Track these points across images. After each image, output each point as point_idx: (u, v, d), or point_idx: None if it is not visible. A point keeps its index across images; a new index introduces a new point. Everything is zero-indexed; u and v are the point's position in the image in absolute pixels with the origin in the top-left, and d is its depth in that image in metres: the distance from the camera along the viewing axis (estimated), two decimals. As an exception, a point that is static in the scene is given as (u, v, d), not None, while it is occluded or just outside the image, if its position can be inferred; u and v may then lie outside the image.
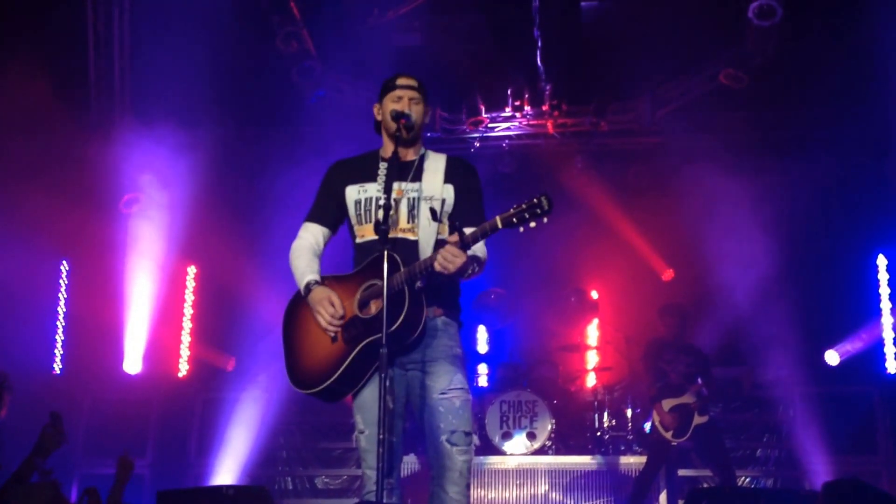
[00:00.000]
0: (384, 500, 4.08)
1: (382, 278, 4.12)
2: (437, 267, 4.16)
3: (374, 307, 4.33)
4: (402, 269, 4.26)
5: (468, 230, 4.19)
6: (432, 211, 4.39)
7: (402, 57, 10.37)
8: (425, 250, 4.44)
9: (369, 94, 11.08)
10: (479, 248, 4.42)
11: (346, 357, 4.33)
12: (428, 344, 4.44)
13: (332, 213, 4.72)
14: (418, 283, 4.31)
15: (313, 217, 4.78)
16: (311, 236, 4.74)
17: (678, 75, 10.92)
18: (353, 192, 4.63)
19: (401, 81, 4.68)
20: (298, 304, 4.61)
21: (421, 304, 4.34)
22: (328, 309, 4.41)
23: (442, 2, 10.10)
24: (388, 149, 4.66)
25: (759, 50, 10.05)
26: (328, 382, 4.37)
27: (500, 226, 4.13)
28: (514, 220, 4.10)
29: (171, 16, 9.97)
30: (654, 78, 10.94)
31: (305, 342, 4.53)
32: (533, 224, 4.09)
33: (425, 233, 4.49)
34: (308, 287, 4.52)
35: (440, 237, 4.49)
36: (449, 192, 4.59)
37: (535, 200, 4.08)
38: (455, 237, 4.16)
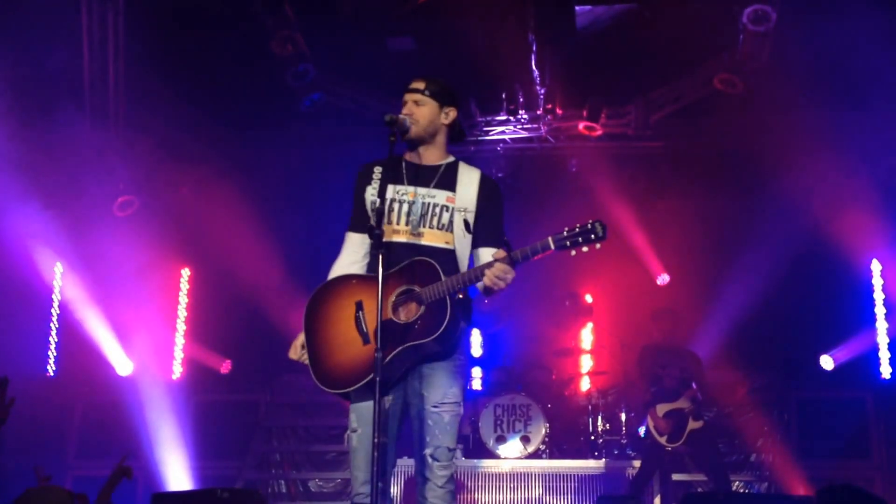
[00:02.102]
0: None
1: (379, 283, 4.13)
2: (488, 282, 4.21)
3: (406, 312, 4.33)
4: (444, 279, 4.29)
5: (517, 250, 4.25)
6: (465, 223, 4.46)
7: (397, 60, 10.39)
8: (462, 262, 4.51)
9: (363, 97, 11.10)
10: None
11: (384, 360, 4.25)
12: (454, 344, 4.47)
13: (365, 219, 4.57)
14: (459, 295, 4.36)
15: (352, 226, 4.74)
16: (349, 251, 4.70)
17: (672, 80, 10.92)
18: (369, 194, 4.59)
19: (409, 86, 4.68)
20: (323, 300, 4.55)
21: (457, 317, 4.37)
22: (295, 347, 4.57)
23: (436, 5, 10.10)
24: (410, 153, 4.69)
25: (753, 55, 10.06)
26: (363, 383, 4.31)
27: (552, 247, 4.21)
28: (567, 242, 4.19)
29: (166, 18, 9.97)
30: (649, 82, 10.95)
31: (333, 341, 4.47)
32: (585, 249, 4.18)
33: (461, 244, 4.52)
34: None
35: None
36: (474, 209, 4.59)
37: (588, 225, 4.15)
38: (502, 253, 4.22)
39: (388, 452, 4.36)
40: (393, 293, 4.37)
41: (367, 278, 4.51)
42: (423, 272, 4.33)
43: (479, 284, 4.30)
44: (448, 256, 4.51)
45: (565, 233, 4.20)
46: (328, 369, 4.45)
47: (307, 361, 4.49)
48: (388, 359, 4.26)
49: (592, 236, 4.15)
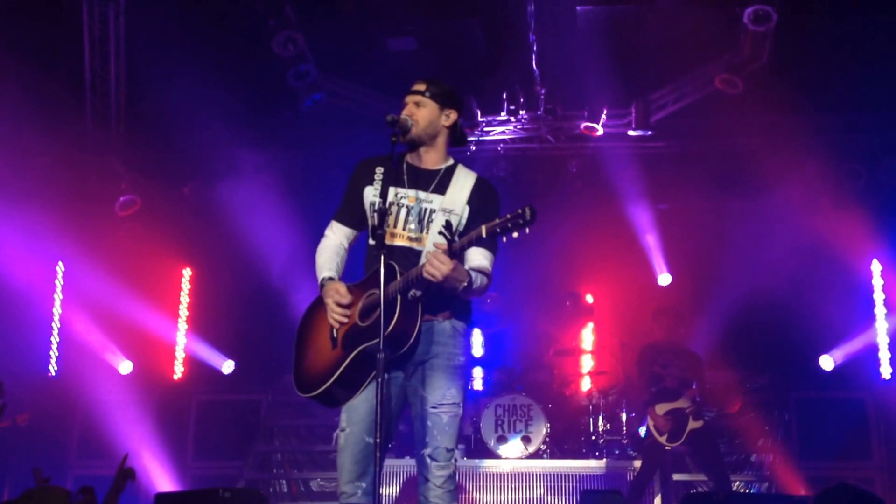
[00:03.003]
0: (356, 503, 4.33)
1: (381, 283, 4.15)
2: (424, 274, 4.18)
3: (373, 315, 4.32)
4: (398, 279, 4.29)
5: (455, 241, 4.18)
6: (448, 223, 4.36)
7: (398, 61, 10.40)
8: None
9: (365, 97, 11.10)
10: (481, 262, 4.42)
11: (342, 362, 4.38)
12: (433, 351, 4.46)
13: (355, 214, 4.70)
14: (413, 293, 4.33)
15: (339, 217, 4.79)
16: (335, 236, 4.76)
17: (673, 80, 10.92)
18: (370, 194, 4.63)
19: (411, 88, 4.69)
20: (310, 311, 4.68)
21: (415, 314, 4.35)
22: (334, 297, 4.48)
23: (437, 5, 10.11)
24: (411, 154, 4.70)
25: (754, 55, 10.06)
26: (324, 387, 4.42)
27: (483, 235, 4.11)
28: (498, 229, 4.09)
29: (167, 18, 9.98)
30: (649, 83, 10.95)
31: (310, 348, 4.60)
32: (515, 234, 4.07)
33: (433, 242, 4.45)
34: (322, 283, 4.60)
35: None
36: (466, 212, 4.56)
37: (518, 211, 4.05)
38: (443, 243, 4.17)
39: (377, 453, 4.35)
40: (361, 299, 4.42)
41: (348, 286, 4.57)
42: (386, 276, 4.29)
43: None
44: (416, 258, 4.49)
45: (497, 220, 4.11)
46: (300, 374, 4.61)
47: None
48: (345, 363, 4.36)
49: (521, 221, 4.03)
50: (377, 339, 4.15)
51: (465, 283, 4.30)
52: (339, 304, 4.47)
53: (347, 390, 4.46)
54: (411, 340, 4.34)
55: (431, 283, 4.21)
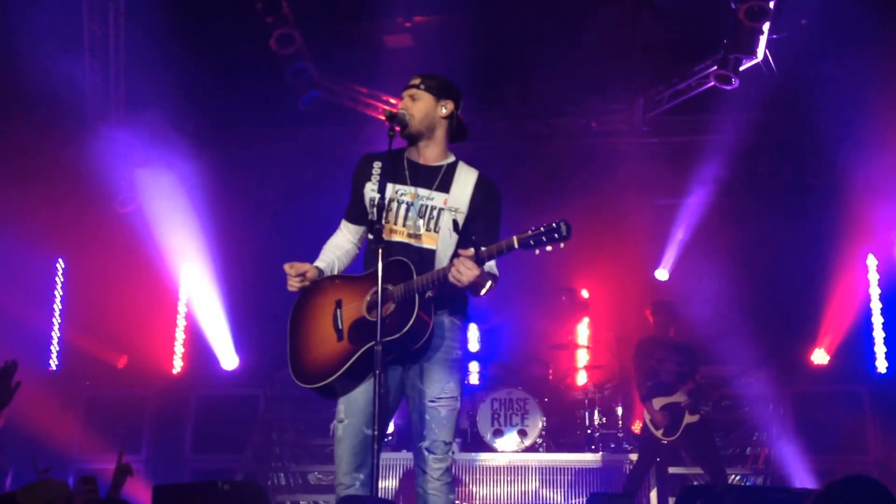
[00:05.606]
0: (354, 495, 4.38)
1: (379, 277, 4.19)
2: (451, 278, 4.19)
3: (383, 311, 4.30)
4: (416, 278, 4.31)
5: (483, 248, 4.19)
6: (454, 223, 4.43)
7: (395, 58, 10.43)
8: (442, 261, 4.49)
9: (362, 95, 11.13)
10: (492, 267, 4.45)
11: (350, 357, 4.38)
12: (432, 344, 4.49)
13: (361, 211, 4.72)
14: (429, 293, 4.36)
15: (347, 215, 4.86)
16: (340, 234, 4.85)
17: (669, 76, 10.96)
18: (369, 190, 4.66)
19: (408, 83, 4.72)
20: (305, 300, 4.67)
21: (429, 314, 4.39)
22: (287, 268, 4.59)
23: (434, 3, 10.15)
24: (410, 149, 4.73)
25: (750, 51, 10.10)
26: (330, 380, 4.43)
27: (516, 245, 4.12)
28: (531, 241, 4.09)
29: (166, 16, 10.02)
30: (646, 79, 10.98)
31: (311, 338, 4.59)
32: (549, 248, 4.07)
33: (445, 244, 4.52)
34: None
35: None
36: (468, 210, 4.58)
37: (553, 225, 4.06)
38: (470, 251, 4.18)
39: (375, 445, 4.36)
40: (368, 292, 4.42)
41: (350, 278, 4.61)
42: (397, 271, 4.35)
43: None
44: (428, 256, 4.54)
45: (530, 232, 4.10)
46: (302, 365, 4.58)
47: (295, 286, 4.59)
48: (355, 356, 4.37)
49: (556, 236, 4.05)
50: (394, 336, 4.22)
51: (485, 288, 4.36)
52: (288, 273, 4.57)
53: (351, 383, 4.48)
54: (424, 340, 4.39)
55: (449, 285, 4.24)
